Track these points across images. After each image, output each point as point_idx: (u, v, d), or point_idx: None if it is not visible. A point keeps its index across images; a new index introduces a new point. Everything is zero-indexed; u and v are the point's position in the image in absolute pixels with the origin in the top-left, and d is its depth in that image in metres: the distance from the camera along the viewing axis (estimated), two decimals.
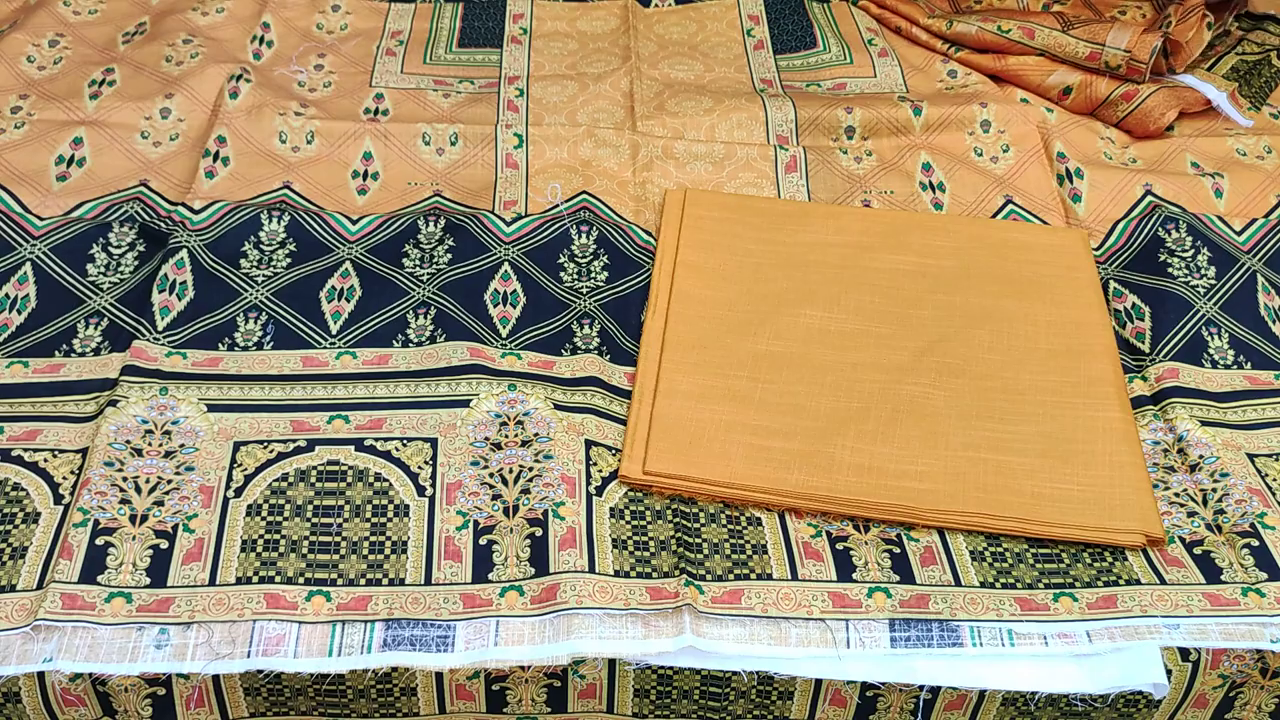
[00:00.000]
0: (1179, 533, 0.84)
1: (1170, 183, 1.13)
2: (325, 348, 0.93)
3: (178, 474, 0.83)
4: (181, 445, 0.85)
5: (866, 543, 0.82)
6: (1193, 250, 1.05)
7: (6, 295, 0.96)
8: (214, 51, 1.22)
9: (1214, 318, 0.99)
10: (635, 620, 0.76)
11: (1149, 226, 1.07)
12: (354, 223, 1.04)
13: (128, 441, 0.84)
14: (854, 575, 0.80)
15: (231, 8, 1.30)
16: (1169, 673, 0.76)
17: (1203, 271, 1.03)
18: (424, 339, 0.94)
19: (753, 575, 0.79)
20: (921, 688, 0.76)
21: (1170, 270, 1.03)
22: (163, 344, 0.92)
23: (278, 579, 0.77)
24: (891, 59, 1.29)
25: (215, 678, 0.73)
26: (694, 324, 0.95)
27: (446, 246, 1.02)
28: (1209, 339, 0.97)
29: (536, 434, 0.86)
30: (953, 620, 0.77)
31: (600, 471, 0.85)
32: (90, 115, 1.13)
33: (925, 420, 0.89)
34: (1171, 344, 0.97)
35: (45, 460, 0.83)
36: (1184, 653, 0.76)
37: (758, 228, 1.05)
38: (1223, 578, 0.80)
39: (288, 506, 0.82)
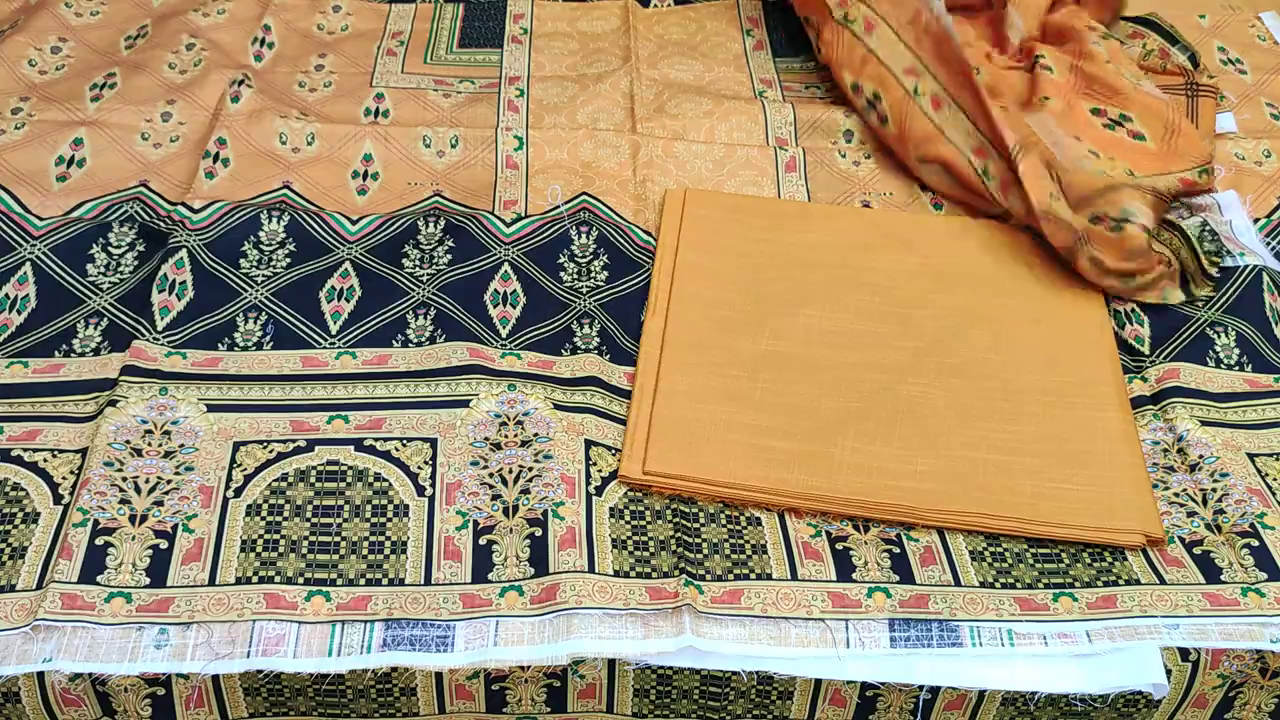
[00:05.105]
0: (1179, 533, 0.84)
1: None
2: (325, 348, 0.93)
3: (177, 474, 0.83)
4: (181, 445, 0.85)
5: (866, 543, 0.82)
6: None
7: (6, 295, 0.96)
8: (216, 57, 1.21)
9: (1216, 319, 0.99)
10: (635, 620, 0.76)
11: None
12: (354, 223, 1.04)
13: (127, 441, 0.84)
14: (854, 575, 0.79)
15: (233, 9, 1.30)
16: (1169, 673, 0.76)
17: None
18: (424, 339, 0.94)
19: (752, 575, 0.79)
20: (921, 688, 0.76)
21: None
22: (162, 344, 0.92)
23: (277, 579, 0.77)
24: None
25: (215, 678, 0.73)
26: (694, 324, 0.95)
27: (446, 247, 1.02)
28: (1215, 337, 0.97)
29: (536, 434, 0.86)
30: (952, 620, 0.77)
31: (600, 471, 0.85)
32: (91, 116, 1.13)
33: (925, 420, 0.89)
34: (1172, 345, 0.97)
35: (45, 460, 0.83)
36: (1184, 653, 0.76)
37: (758, 228, 1.05)
38: (1222, 578, 0.80)
39: (287, 506, 0.81)
